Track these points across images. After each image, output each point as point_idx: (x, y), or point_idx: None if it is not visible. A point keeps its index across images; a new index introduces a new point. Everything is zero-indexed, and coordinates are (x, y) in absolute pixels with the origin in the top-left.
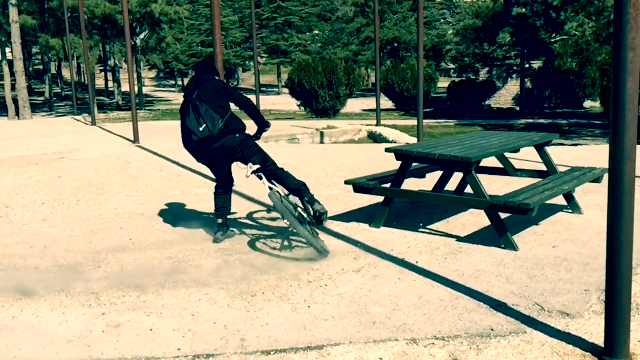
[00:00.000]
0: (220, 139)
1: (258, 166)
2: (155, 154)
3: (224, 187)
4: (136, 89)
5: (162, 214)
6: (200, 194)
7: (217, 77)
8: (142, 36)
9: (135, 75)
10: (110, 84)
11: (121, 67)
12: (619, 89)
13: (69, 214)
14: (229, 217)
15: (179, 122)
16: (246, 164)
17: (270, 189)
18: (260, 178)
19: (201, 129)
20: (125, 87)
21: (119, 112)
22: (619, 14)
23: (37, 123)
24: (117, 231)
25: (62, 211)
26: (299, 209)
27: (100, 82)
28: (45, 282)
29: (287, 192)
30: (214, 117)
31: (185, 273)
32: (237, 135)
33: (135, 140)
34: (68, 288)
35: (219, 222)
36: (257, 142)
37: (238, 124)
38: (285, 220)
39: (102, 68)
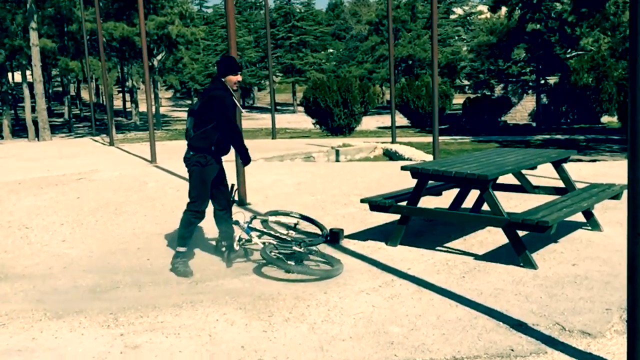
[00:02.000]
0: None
1: (250, 217)
2: (172, 173)
3: (219, 205)
4: (153, 109)
5: None
6: None
7: (227, 80)
8: (159, 57)
9: (153, 96)
10: (128, 104)
11: (138, 88)
12: (636, 105)
13: (88, 234)
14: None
15: None
16: None
17: (263, 243)
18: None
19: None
20: (142, 108)
21: (136, 132)
22: (634, 31)
23: (56, 144)
24: (135, 251)
25: (81, 231)
26: (289, 235)
27: (118, 103)
28: (64, 303)
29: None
30: (188, 124)
31: (202, 293)
32: (191, 153)
33: (153, 160)
34: (87, 309)
35: (221, 247)
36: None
37: (196, 142)
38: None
39: (119, 89)
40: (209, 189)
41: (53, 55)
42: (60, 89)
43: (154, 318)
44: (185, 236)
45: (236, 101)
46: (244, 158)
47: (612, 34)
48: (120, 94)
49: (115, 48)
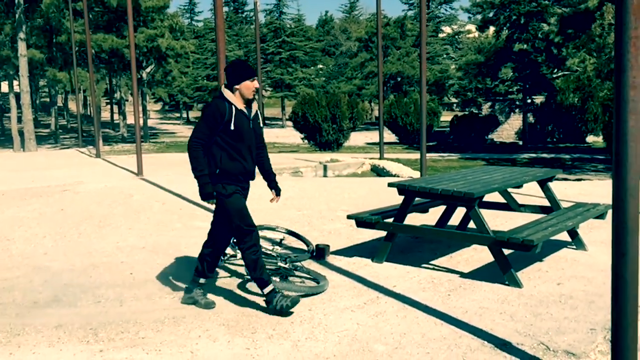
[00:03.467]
0: None
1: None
2: (158, 186)
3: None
4: (141, 121)
5: (163, 247)
6: (202, 228)
7: (242, 87)
8: (148, 70)
9: (141, 108)
10: (116, 116)
11: (127, 100)
12: (621, 127)
13: (70, 247)
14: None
15: (182, 155)
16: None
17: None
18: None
19: None
20: (130, 120)
21: (123, 145)
22: (620, 53)
23: (42, 155)
24: (118, 265)
25: (64, 244)
26: (275, 250)
27: (105, 115)
28: (44, 317)
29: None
30: None
31: (185, 308)
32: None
33: (139, 172)
34: (66, 323)
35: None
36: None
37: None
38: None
39: (108, 101)
40: (248, 213)
41: (41, 65)
42: (47, 99)
43: (135, 334)
44: (262, 276)
45: (244, 112)
46: (199, 187)
47: (597, 55)
48: (109, 106)
49: (104, 60)
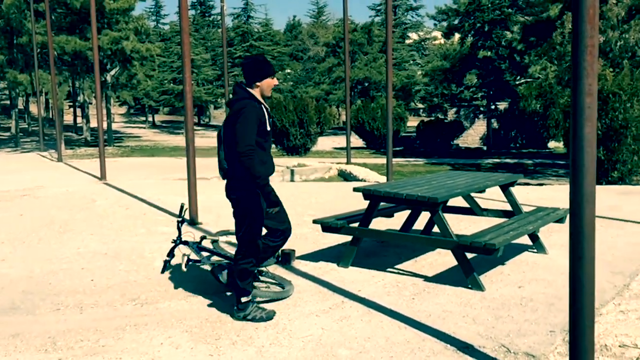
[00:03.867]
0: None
1: (200, 237)
2: (121, 191)
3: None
4: (105, 124)
5: (126, 253)
6: (166, 233)
7: (263, 84)
8: (112, 72)
9: (104, 111)
10: (79, 119)
11: (90, 103)
12: (577, 133)
13: (29, 253)
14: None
15: (147, 159)
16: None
17: (213, 264)
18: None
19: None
20: (94, 123)
21: (87, 148)
22: (576, 61)
23: (1, 158)
24: (79, 271)
25: (22, 250)
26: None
27: (68, 118)
28: (0, 326)
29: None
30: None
31: (147, 315)
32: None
33: (102, 177)
34: (24, 332)
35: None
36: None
37: (240, 172)
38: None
39: (70, 104)
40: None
41: (1, 67)
42: (7, 102)
43: (95, 342)
44: (248, 287)
45: (269, 111)
46: (264, 196)
47: (558, 63)
48: (72, 109)
49: (67, 62)
